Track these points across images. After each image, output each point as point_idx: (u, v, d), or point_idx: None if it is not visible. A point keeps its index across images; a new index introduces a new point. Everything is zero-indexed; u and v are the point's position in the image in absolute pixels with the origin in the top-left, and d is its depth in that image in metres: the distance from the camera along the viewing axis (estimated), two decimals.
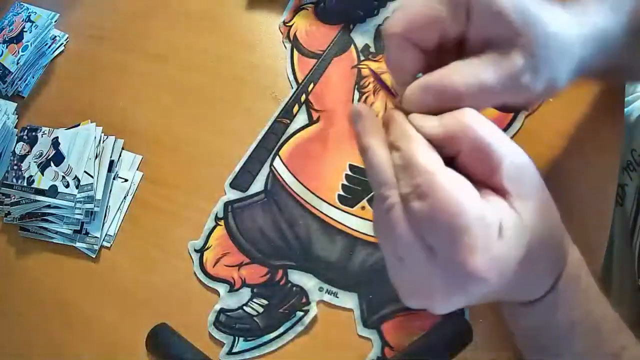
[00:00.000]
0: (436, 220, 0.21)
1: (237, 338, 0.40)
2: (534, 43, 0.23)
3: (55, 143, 0.48)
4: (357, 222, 0.41)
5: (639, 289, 0.39)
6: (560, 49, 0.24)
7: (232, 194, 0.44)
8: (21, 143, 0.49)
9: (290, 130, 0.45)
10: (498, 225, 0.22)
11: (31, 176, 0.47)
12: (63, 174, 0.46)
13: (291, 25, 0.50)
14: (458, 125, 0.22)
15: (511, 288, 0.24)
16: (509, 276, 0.22)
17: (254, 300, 0.41)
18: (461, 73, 0.23)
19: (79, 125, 0.50)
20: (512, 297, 0.29)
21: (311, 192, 0.43)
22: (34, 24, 0.54)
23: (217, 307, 0.41)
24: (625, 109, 0.48)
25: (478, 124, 0.22)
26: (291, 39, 0.49)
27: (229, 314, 0.41)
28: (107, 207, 0.47)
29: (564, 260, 0.28)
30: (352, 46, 0.48)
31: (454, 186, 0.21)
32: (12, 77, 0.53)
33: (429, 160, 0.22)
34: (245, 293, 0.41)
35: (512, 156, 0.22)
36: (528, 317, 0.31)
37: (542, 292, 0.28)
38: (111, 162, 0.48)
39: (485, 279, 0.21)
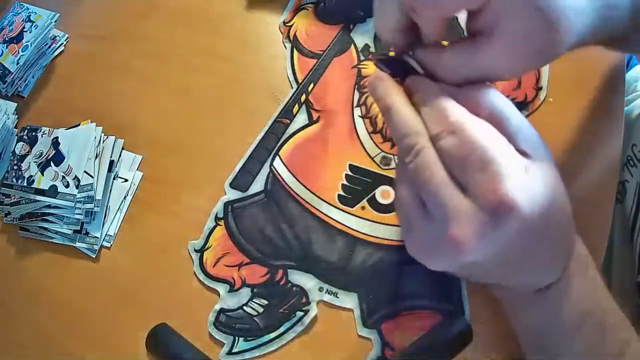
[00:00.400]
0: (469, 152, 0.22)
1: (237, 338, 0.40)
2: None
3: (55, 143, 0.48)
4: (357, 222, 0.41)
5: (639, 285, 0.39)
6: (575, 10, 0.23)
7: (232, 194, 0.44)
8: (21, 143, 0.49)
9: (290, 130, 0.45)
10: (524, 165, 0.23)
11: (31, 176, 0.47)
12: (63, 174, 0.46)
13: (291, 25, 0.50)
14: (480, 94, 0.24)
15: (531, 252, 0.25)
16: (536, 214, 0.22)
17: (254, 300, 0.41)
18: (496, 60, 0.24)
19: (79, 125, 0.50)
20: (525, 276, 0.28)
21: (311, 192, 0.43)
22: (34, 24, 0.54)
23: (217, 307, 0.41)
24: (625, 108, 0.48)
25: (496, 95, 0.24)
26: (291, 39, 0.49)
27: (229, 314, 0.41)
28: (107, 207, 0.47)
29: (573, 245, 0.28)
30: (352, 46, 0.48)
31: (483, 125, 0.23)
32: (12, 77, 0.53)
33: (458, 106, 0.23)
34: (245, 293, 0.41)
35: (526, 125, 0.24)
36: (533, 311, 0.31)
37: (552, 277, 0.28)
38: (111, 162, 0.48)
39: (517, 205, 0.21)
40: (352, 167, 0.43)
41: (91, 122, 0.50)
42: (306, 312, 0.40)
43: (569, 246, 0.28)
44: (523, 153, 0.23)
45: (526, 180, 0.22)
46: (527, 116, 0.41)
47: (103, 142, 0.49)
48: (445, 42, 0.26)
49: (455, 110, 0.23)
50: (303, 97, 0.46)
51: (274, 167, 0.44)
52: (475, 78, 0.25)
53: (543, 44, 0.23)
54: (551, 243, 0.26)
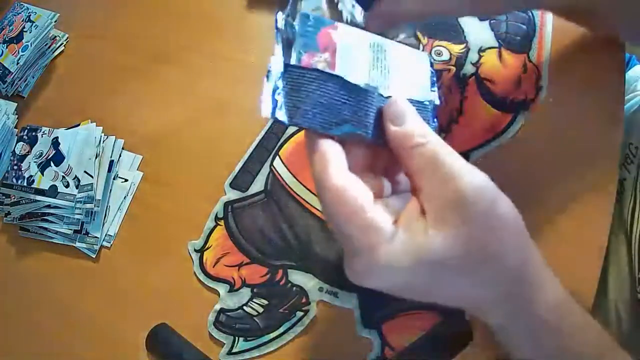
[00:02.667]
0: (332, 225, 0.25)
1: (237, 338, 0.40)
2: None
3: (55, 143, 0.48)
4: None
5: (638, 282, 0.39)
6: None
7: (232, 194, 0.44)
8: (21, 143, 0.49)
9: (290, 130, 0.45)
10: (391, 231, 0.24)
11: (31, 176, 0.47)
12: (63, 174, 0.46)
13: None
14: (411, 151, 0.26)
15: (430, 293, 0.26)
16: (407, 279, 0.25)
17: (254, 300, 0.41)
18: None
19: (79, 125, 0.50)
20: (452, 303, 0.29)
21: (311, 192, 0.43)
22: (34, 24, 0.54)
23: (217, 307, 0.41)
24: (631, 102, 0.48)
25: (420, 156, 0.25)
26: None
27: (229, 314, 0.41)
28: (107, 207, 0.47)
29: (520, 299, 0.27)
30: None
31: (342, 196, 0.24)
32: (12, 77, 0.53)
33: (328, 173, 0.24)
34: (245, 293, 0.41)
35: (443, 192, 0.24)
36: (497, 335, 0.31)
37: (498, 318, 0.29)
38: (111, 162, 0.48)
39: (365, 280, 0.25)
40: None
41: (91, 122, 0.50)
42: (306, 312, 0.40)
43: (505, 298, 0.27)
44: (424, 211, 0.25)
45: (386, 252, 0.24)
46: (527, 116, 0.41)
47: (103, 142, 0.49)
48: None
49: (323, 171, 0.25)
50: None
51: (274, 167, 0.44)
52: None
53: None
54: (460, 290, 0.26)
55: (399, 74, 0.29)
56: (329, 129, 0.25)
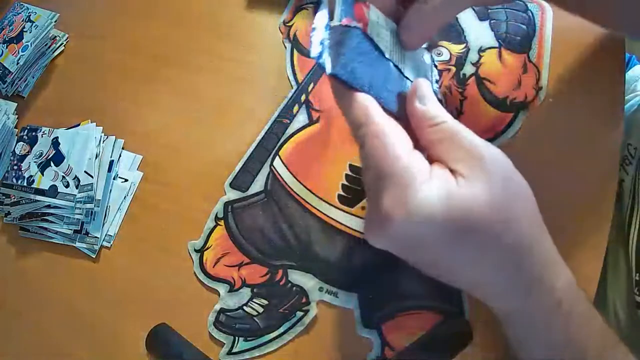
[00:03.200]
0: (366, 166, 0.27)
1: (237, 338, 0.40)
2: None
3: (55, 143, 0.48)
4: (357, 222, 0.41)
5: (635, 284, 0.39)
6: None
7: (232, 194, 0.44)
8: (21, 143, 0.49)
9: (290, 130, 0.45)
10: (428, 175, 0.25)
11: (31, 176, 0.47)
12: (63, 174, 0.46)
13: (291, 25, 0.50)
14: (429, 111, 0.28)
15: (448, 256, 0.27)
16: (433, 229, 0.25)
17: (254, 300, 0.41)
18: None
19: (79, 125, 0.50)
20: (471, 286, 0.29)
21: (311, 192, 0.43)
22: (34, 24, 0.54)
23: (217, 307, 0.41)
24: (630, 102, 0.48)
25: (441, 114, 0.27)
26: (291, 39, 0.49)
27: (229, 314, 0.41)
28: (107, 207, 0.47)
29: (534, 274, 0.27)
30: None
31: (383, 139, 0.25)
32: (12, 77, 0.52)
33: (371, 114, 0.26)
34: (245, 293, 0.41)
35: (466, 145, 0.26)
36: (506, 330, 0.31)
37: (507, 301, 0.29)
38: (111, 162, 0.48)
39: (395, 220, 0.25)
40: (352, 167, 0.43)
41: (91, 122, 0.50)
42: (306, 312, 0.40)
43: (526, 273, 0.27)
44: (453, 170, 0.26)
45: (418, 196, 0.24)
46: (527, 116, 0.41)
47: (103, 142, 0.49)
48: None
49: (365, 117, 0.26)
50: (303, 97, 0.46)
51: (274, 167, 0.44)
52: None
53: None
54: (477, 255, 0.26)
55: (410, 63, 0.32)
56: (361, 86, 0.27)
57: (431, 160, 0.27)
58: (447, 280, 0.29)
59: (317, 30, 0.27)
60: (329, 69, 0.26)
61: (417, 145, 0.27)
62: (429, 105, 0.28)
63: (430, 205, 0.24)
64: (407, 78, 0.31)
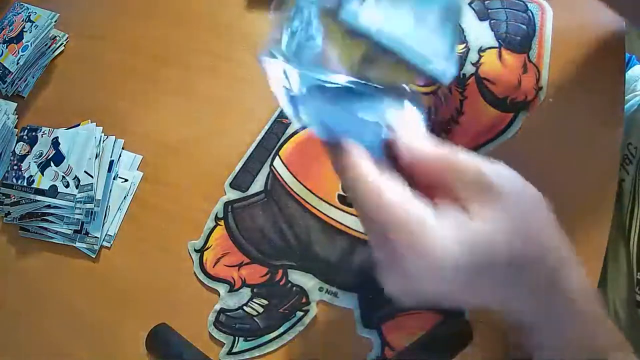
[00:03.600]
0: (365, 225, 0.25)
1: (237, 338, 0.40)
2: None
3: (55, 143, 0.48)
4: (357, 222, 0.41)
5: (637, 282, 0.39)
6: None
7: (232, 194, 0.44)
8: (21, 143, 0.49)
9: (290, 130, 0.45)
10: (435, 220, 0.23)
11: (31, 176, 0.47)
12: (63, 174, 0.46)
13: None
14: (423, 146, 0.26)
15: (478, 290, 0.25)
16: (460, 273, 0.23)
17: (254, 300, 0.41)
18: None
19: (79, 125, 0.50)
20: (489, 305, 0.28)
21: (311, 192, 0.43)
22: (34, 24, 0.54)
23: (217, 307, 0.41)
24: (630, 102, 0.48)
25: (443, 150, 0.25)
26: None
27: (229, 314, 0.41)
28: (107, 207, 0.47)
29: (552, 279, 0.27)
30: None
31: (374, 194, 0.24)
32: (12, 77, 0.53)
33: (360, 173, 0.24)
34: (245, 293, 0.41)
35: (472, 171, 0.24)
36: (518, 330, 0.31)
37: (530, 313, 0.28)
38: (111, 162, 0.48)
39: (416, 275, 0.23)
40: None
41: (91, 122, 0.50)
42: (306, 312, 0.40)
43: (543, 288, 0.27)
44: (459, 199, 0.24)
45: (426, 241, 0.23)
46: (527, 116, 0.41)
47: (103, 142, 0.49)
48: None
49: (352, 166, 0.25)
50: None
51: (274, 167, 0.44)
52: None
53: None
54: (490, 288, 0.26)
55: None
56: (340, 136, 0.26)
57: (431, 196, 0.25)
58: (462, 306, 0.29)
59: (278, 95, 0.26)
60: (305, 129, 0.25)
61: (411, 184, 0.25)
62: (416, 144, 0.26)
63: (453, 252, 0.23)
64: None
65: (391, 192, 0.24)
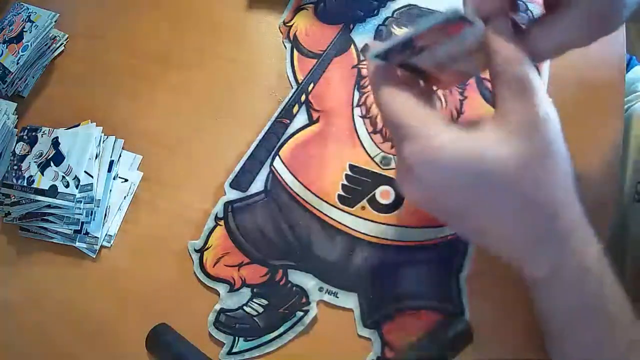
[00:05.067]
0: (384, 122, 0.31)
1: (237, 338, 0.40)
2: None
3: (55, 143, 0.48)
4: (357, 222, 0.41)
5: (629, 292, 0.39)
6: None
7: (232, 194, 0.44)
8: (21, 143, 0.49)
9: (290, 130, 0.45)
10: (448, 125, 0.27)
11: (31, 176, 0.47)
12: (63, 174, 0.46)
13: (291, 25, 0.50)
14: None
15: (472, 203, 0.27)
16: (457, 175, 0.26)
17: (254, 300, 0.41)
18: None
19: (79, 125, 0.50)
20: (496, 243, 0.29)
21: (311, 192, 0.43)
22: (34, 24, 0.54)
23: (217, 307, 0.41)
24: (625, 106, 0.48)
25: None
26: (291, 39, 0.49)
27: (229, 314, 0.41)
28: (107, 207, 0.47)
29: (566, 230, 0.28)
30: (352, 46, 0.48)
31: (393, 98, 0.28)
32: (12, 77, 0.52)
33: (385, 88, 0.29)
34: (245, 293, 0.41)
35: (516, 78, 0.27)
36: (534, 297, 0.31)
37: (543, 259, 0.28)
38: (111, 162, 0.48)
39: (415, 166, 0.27)
40: (352, 167, 0.43)
41: (91, 122, 0.50)
42: (306, 312, 0.40)
43: (543, 228, 0.27)
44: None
45: (441, 139, 0.26)
46: None
47: (103, 142, 0.49)
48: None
49: (380, 91, 0.29)
50: (303, 97, 0.46)
51: (274, 167, 0.44)
52: (554, 48, 0.29)
53: (611, 12, 0.28)
54: (499, 207, 0.27)
55: None
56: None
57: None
58: (478, 238, 0.30)
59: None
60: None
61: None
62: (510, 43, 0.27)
63: (447, 150, 0.26)
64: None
65: (404, 100, 0.28)
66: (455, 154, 0.26)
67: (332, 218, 0.42)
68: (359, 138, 0.44)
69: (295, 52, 0.49)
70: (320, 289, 0.40)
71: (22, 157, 0.48)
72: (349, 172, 0.43)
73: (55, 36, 0.56)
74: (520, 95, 0.26)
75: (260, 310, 0.41)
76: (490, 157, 0.25)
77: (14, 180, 0.47)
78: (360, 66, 0.47)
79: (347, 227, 0.41)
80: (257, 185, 0.44)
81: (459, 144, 0.26)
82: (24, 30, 0.54)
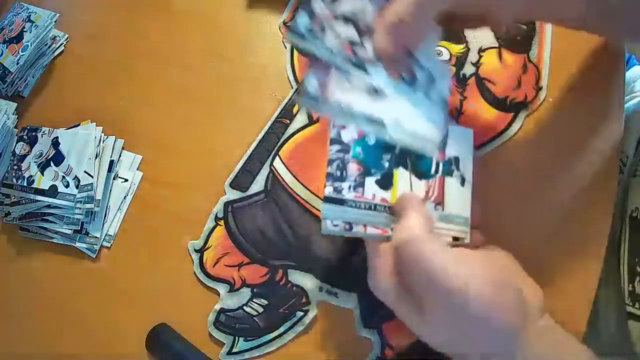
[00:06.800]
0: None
1: (237, 338, 0.40)
2: None
3: (55, 143, 0.48)
4: None
5: (628, 295, 0.39)
6: None
7: (232, 194, 0.44)
8: (21, 143, 0.49)
9: (290, 130, 0.45)
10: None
11: (31, 176, 0.47)
12: (63, 174, 0.46)
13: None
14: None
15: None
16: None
17: (254, 300, 0.41)
18: None
19: (79, 125, 0.50)
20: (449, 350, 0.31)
21: (311, 192, 0.43)
22: (34, 24, 0.54)
23: (217, 307, 0.41)
24: (626, 106, 0.48)
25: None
26: None
27: (229, 314, 0.41)
28: (107, 207, 0.47)
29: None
30: None
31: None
32: (12, 77, 0.52)
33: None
34: (245, 293, 0.41)
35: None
36: None
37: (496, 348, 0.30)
38: (111, 162, 0.48)
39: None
40: None
41: (91, 122, 0.50)
42: (306, 312, 0.40)
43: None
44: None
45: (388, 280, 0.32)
46: (527, 116, 0.41)
47: (103, 142, 0.49)
48: None
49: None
50: None
51: (274, 167, 0.44)
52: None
53: None
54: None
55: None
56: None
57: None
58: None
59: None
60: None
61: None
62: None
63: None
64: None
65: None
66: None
67: None
68: None
69: (295, 52, 0.49)
70: (320, 289, 0.40)
71: (22, 157, 0.48)
72: None
73: (55, 36, 0.56)
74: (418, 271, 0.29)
75: (260, 310, 0.41)
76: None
77: (14, 180, 0.47)
78: None
79: None
80: (257, 185, 0.44)
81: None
82: (24, 30, 0.54)
